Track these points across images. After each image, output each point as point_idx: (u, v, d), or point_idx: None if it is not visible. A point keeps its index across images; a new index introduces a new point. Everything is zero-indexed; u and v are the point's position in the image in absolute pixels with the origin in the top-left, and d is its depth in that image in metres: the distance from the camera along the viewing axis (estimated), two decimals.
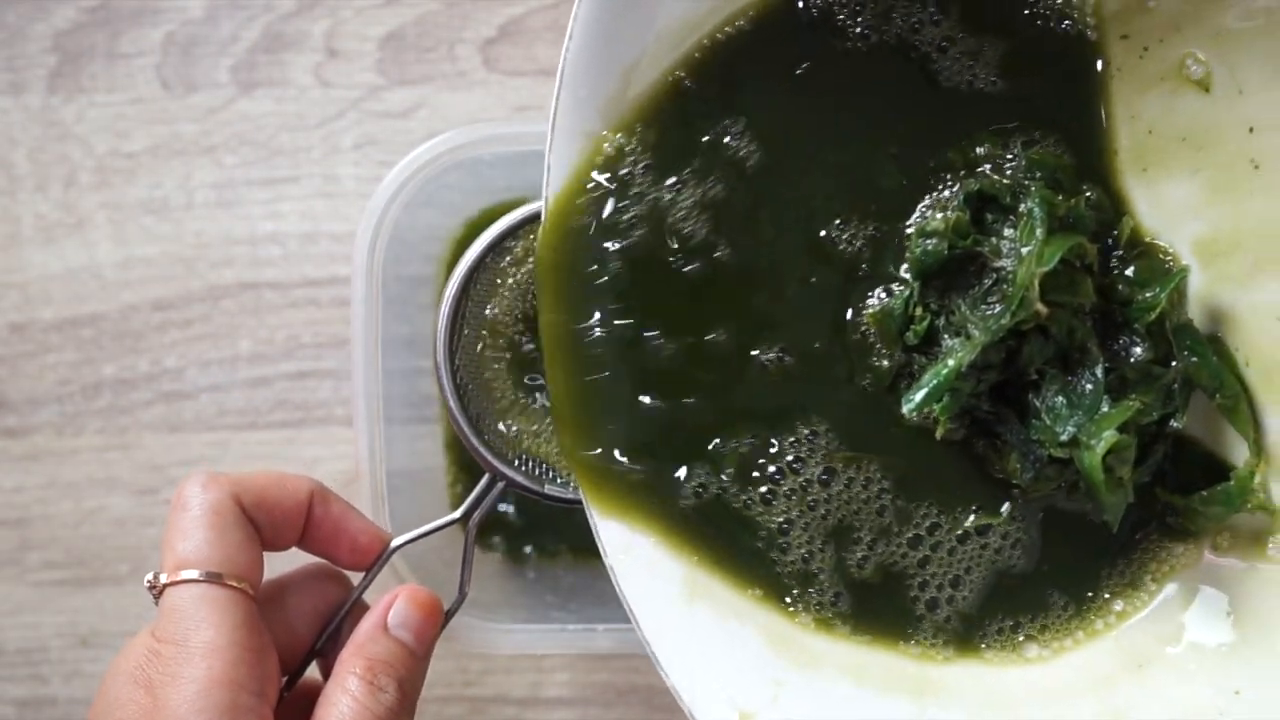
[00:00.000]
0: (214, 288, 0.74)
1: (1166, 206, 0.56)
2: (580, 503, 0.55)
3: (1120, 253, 0.56)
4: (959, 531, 0.56)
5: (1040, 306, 0.52)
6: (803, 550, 0.56)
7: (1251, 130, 0.54)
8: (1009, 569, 0.56)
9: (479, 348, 0.60)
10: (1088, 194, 0.55)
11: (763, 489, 0.56)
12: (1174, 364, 0.55)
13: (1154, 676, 0.54)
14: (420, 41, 0.74)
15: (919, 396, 0.53)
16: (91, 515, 0.74)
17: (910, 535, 0.56)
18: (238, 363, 0.74)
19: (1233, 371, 0.55)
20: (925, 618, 0.56)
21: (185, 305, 0.74)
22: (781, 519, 0.56)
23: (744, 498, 0.56)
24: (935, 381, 0.53)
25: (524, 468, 0.59)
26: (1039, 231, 0.52)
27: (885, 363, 0.56)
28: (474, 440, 0.58)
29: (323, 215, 0.74)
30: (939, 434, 0.54)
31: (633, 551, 0.54)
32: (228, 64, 0.74)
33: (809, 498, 0.56)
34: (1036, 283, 0.52)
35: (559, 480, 0.59)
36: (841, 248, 0.56)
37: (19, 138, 0.74)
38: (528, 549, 0.72)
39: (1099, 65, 0.56)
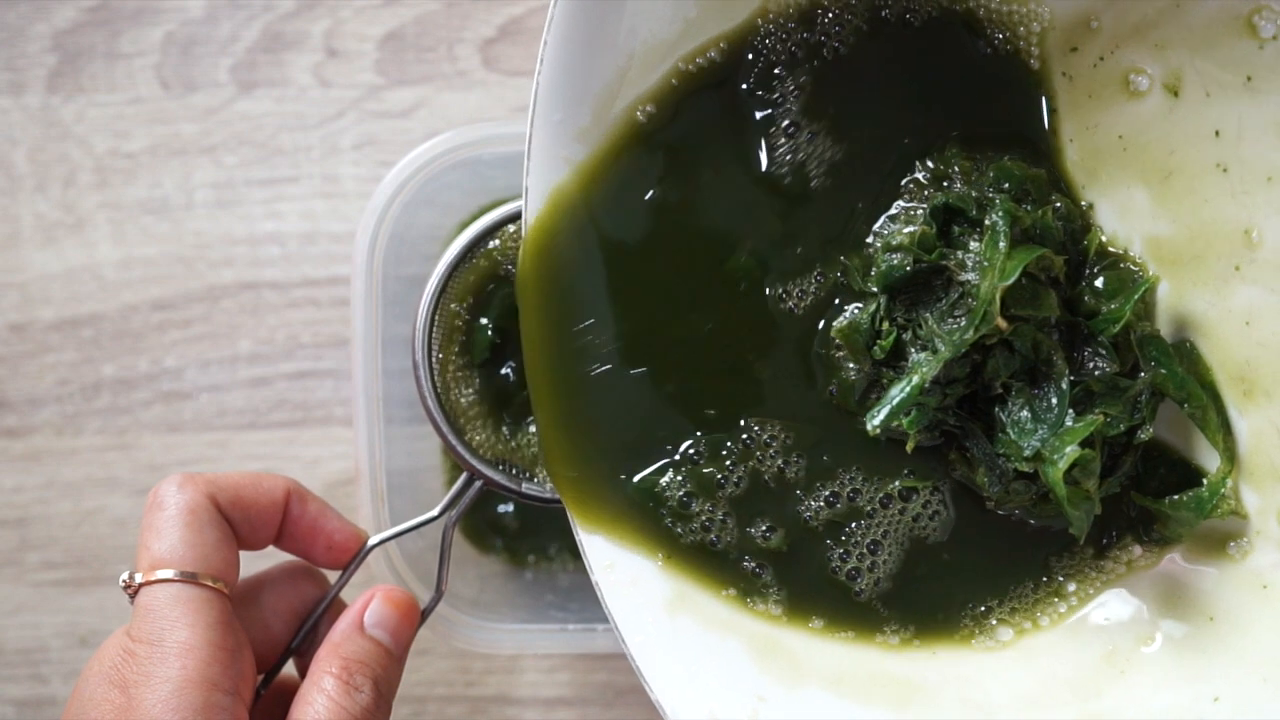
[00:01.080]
0: (214, 288, 0.74)
1: (1133, 215, 0.55)
2: (557, 501, 0.55)
3: (1093, 264, 0.55)
4: (882, 495, 0.55)
5: (1001, 321, 0.51)
6: (710, 517, 0.55)
7: (1217, 134, 0.53)
8: (924, 536, 0.56)
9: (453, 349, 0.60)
10: (1056, 205, 0.54)
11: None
12: (1141, 375, 0.54)
13: (1135, 683, 0.53)
14: (420, 41, 0.74)
15: (883, 414, 0.52)
16: (91, 515, 0.74)
17: (828, 493, 0.55)
18: (237, 363, 0.74)
19: (1200, 381, 0.54)
20: (863, 592, 0.55)
21: (185, 305, 0.74)
22: (681, 492, 0.55)
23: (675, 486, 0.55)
24: (900, 397, 0.52)
25: (501, 467, 0.59)
26: (1001, 245, 0.52)
27: (853, 376, 0.55)
28: (452, 439, 0.57)
29: (322, 215, 0.74)
30: (909, 447, 0.54)
31: (617, 567, 0.54)
32: (227, 64, 0.74)
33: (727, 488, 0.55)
34: (998, 297, 0.51)
35: (536, 480, 0.59)
36: (789, 306, 0.56)
37: (19, 138, 0.74)
38: (527, 550, 0.71)
39: (1053, 79, 0.55)
